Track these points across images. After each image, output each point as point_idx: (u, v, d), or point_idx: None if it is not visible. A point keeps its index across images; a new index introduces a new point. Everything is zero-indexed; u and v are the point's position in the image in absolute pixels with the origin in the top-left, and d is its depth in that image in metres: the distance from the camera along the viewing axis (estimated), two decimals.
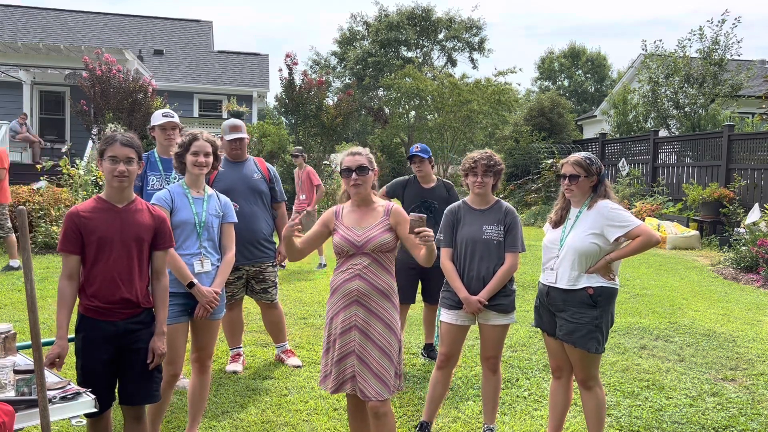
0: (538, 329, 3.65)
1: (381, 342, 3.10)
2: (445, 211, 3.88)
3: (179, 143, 3.67)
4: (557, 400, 3.61)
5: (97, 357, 2.90)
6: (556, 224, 3.53)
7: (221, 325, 5.07)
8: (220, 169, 4.80)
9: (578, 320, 3.32)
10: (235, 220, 3.79)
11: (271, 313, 5.10)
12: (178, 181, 4.43)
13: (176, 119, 4.63)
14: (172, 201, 3.56)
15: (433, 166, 5.21)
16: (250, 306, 6.48)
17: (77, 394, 2.68)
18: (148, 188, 4.50)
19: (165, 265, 3.10)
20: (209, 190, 3.73)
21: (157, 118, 4.59)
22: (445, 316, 3.78)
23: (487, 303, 3.62)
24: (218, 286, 3.61)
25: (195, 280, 3.50)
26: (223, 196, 3.81)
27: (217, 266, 3.66)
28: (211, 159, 3.63)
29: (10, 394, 2.63)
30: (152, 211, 3.05)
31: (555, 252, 3.44)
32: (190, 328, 3.69)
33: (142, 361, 2.98)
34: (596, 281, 3.32)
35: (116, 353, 2.93)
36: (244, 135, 4.89)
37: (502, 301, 3.66)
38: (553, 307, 3.45)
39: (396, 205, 3.26)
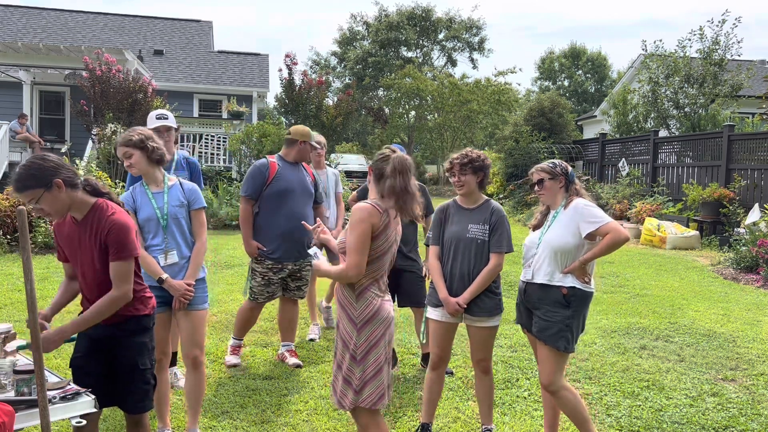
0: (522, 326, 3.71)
1: (337, 354, 3.06)
2: (435, 209, 3.91)
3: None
4: (550, 397, 3.62)
5: (83, 356, 2.92)
6: (536, 228, 3.64)
7: (237, 314, 5.13)
8: (279, 167, 4.93)
9: (550, 318, 3.39)
10: (204, 204, 3.75)
11: (292, 310, 5.17)
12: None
13: (170, 121, 4.60)
14: (134, 201, 3.63)
15: None
16: None
17: (77, 394, 2.68)
18: None
19: (118, 277, 2.81)
20: (170, 181, 3.68)
21: (151, 121, 4.61)
22: (431, 313, 3.78)
23: (465, 306, 3.62)
24: (190, 278, 3.62)
25: (164, 276, 3.54)
26: (188, 183, 3.76)
27: (189, 256, 3.67)
28: (134, 157, 3.52)
29: (10, 394, 2.63)
30: (106, 221, 2.81)
31: (533, 251, 3.52)
32: (179, 324, 3.73)
33: (126, 371, 2.92)
34: (571, 282, 3.39)
35: (104, 357, 2.92)
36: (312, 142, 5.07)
37: (487, 302, 3.66)
38: (529, 305, 3.53)
39: (357, 206, 2.97)
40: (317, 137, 5.85)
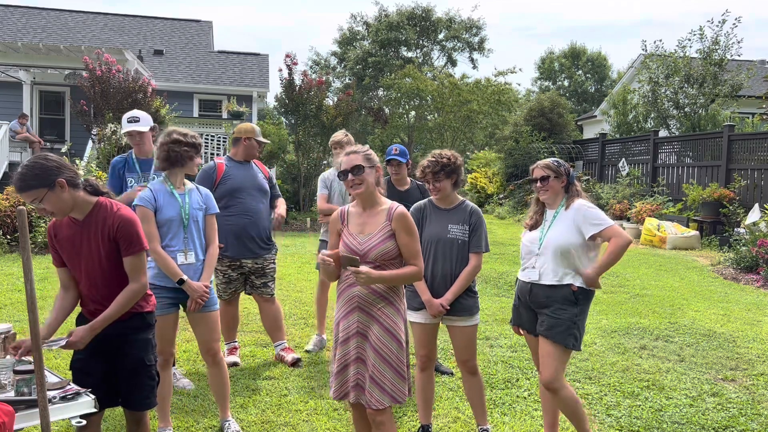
0: (518, 328, 3.69)
1: (379, 347, 2.98)
2: (410, 209, 3.83)
3: (188, 144, 3.69)
4: (549, 397, 3.62)
5: (84, 357, 2.90)
6: (532, 227, 3.61)
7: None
8: (227, 166, 4.96)
9: (559, 316, 3.39)
10: (217, 210, 3.89)
11: (271, 308, 5.15)
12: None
13: (139, 125, 4.57)
14: (155, 200, 3.62)
15: (410, 169, 5.19)
16: (249, 306, 6.49)
17: (77, 394, 2.68)
18: (128, 190, 4.50)
19: (134, 271, 2.87)
20: (189, 185, 3.79)
21: (123, 126, 4.63)
22: (412, 316, 3.75)
23: (448, 307, 3.63)
24: (206, 279, 3.71)
25: (185, 277, 3.58)
26: (204, 189, 3.88)
27: (204, 258, 3.74)
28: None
29: (10, 394, 2.63)
30: (113, 217, 2.84)
31: (535, 251, 3.51)
32: (191, 325, 3.82)
33: (131, 367, 2.94)
34: (580, 280, 3.40)
35: (107, 356, 2.91)
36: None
37: (466, 302, 3.67)
38: (535, 305, 3.50)
39: (400, 208, 3.06)
40: (336, 137, 5.53)
